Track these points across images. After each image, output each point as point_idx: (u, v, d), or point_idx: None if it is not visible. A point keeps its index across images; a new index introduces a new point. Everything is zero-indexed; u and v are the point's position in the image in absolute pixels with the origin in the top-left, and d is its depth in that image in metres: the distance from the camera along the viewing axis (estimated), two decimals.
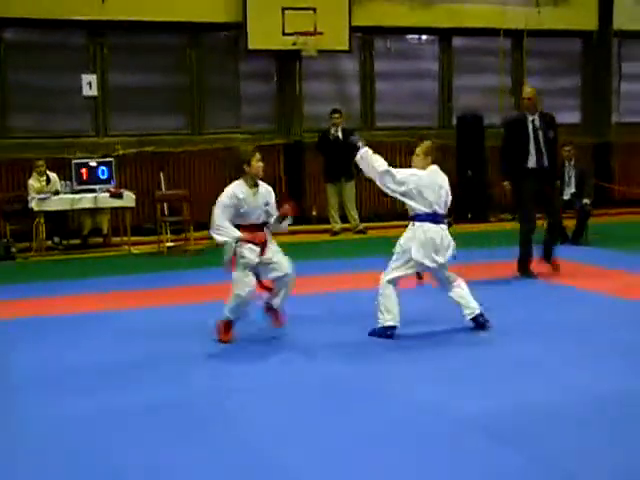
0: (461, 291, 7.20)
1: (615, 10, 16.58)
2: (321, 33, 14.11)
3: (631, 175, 16.91)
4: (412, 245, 6.98)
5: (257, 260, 6.99)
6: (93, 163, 12.73)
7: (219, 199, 7.01)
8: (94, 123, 14.31)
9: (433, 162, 7.26)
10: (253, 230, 7.03)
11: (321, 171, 14.34)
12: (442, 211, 7.14)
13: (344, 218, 14.27)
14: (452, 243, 7.17)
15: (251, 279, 6.90)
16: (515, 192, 9.75)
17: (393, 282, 7.03)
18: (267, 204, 7.18)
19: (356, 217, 14.26)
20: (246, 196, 6.97)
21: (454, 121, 16.01)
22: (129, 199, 12.55)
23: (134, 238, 12.73)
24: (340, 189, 14.07)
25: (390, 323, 6.98)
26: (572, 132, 14.37)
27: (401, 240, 7.09)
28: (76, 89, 13.83)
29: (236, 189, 6.96)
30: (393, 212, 15.34)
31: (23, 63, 13.86)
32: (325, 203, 14.29)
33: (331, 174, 14.02)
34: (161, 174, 13.72)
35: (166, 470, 4.47)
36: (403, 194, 7.10)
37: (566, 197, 12.36)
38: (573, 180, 12.43)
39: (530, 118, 9.57)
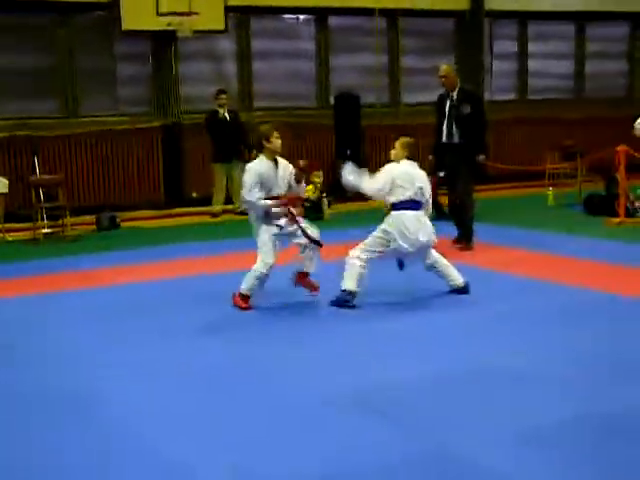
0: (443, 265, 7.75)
1: None
2: (196, 13, 13.93)
3: (504, 151, 17.39)
4: (394, 233, 7.36)
5: (289, 229, 7.52)
6: None
7: (244, 178, 7.55)
8: None
9: (408, 157, 7.67)
10: None
11: (201, 152, 14.24)
12: (419, 199, 7.53)
13: (227, 200, 14.23)
14: (431, 228, 7.60)
15: (273, 256, 7.35)
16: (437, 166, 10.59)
17: (364, 260, 7.42)
18: (286, 177, 7.68)
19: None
20: (267, 170, 7.51)
21: (331, 101, 16.12)
22: (2, 185, 12.22)
23: (8, 225, 12.40)
24: (229, 170, 13.96)
25: (351, 288, 7.35)
26: None
27: (383, 226, 7.48)
28: None
29: (257, 165, 7.54)
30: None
31: None
32: (206, 184, 14.19)
33: (220, 155, 13.91)
34: (35, 159, 13.36)
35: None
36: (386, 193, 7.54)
37: (442, 174, 12.63)
38: None
39: (450, 95, 10.08)
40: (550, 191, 14.10)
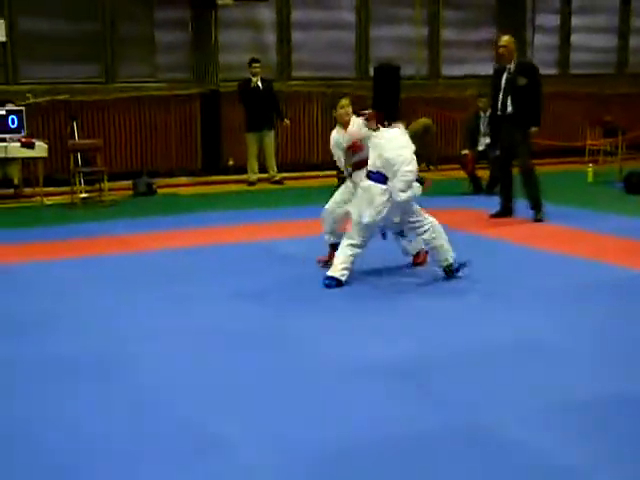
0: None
1: None
2: None
3: (549, 125, 17.18)
4: None
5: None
6: (2, 112, 12.38)
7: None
8: (3, 70, 13.90)
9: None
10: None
11: (238, 121, 14.23)
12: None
13: (262, 168, 14.24)
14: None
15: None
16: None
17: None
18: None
19: (274, 167, 14.22)
20: (338, 137, 7.99)
21: (371, 72, 15.99)
22: (41, 149, 12.28)
23: (47, 189, 12.50)
24: (261, 139, 13.98)
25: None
26: (489, 83, 14.49)
27: None
28: None
29: (333, 134, 8.13)
30: (309, 163, 15.47)
31: None
32: (242, 153, 14.19)
33: (252, 124, 13.91)
34: (74, 123, 13.42)
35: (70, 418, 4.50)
36: None
37: (481, 147, 12.55)
38: (487, 131, 12.53)
39: (507, 67, 10.12)
40: (590, 168, 13.92)
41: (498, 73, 10.29)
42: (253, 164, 14.08)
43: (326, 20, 16.02)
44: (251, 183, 13.98)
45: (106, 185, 12.26)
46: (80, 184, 12.43)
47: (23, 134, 12.39)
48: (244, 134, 14.11)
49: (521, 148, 10.18)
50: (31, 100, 13.40)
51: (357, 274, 7.40)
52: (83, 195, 12.40)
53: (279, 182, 14.12)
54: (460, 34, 16.98)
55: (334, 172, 13.39)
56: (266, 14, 15.48)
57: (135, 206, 12.08)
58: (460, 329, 6.02)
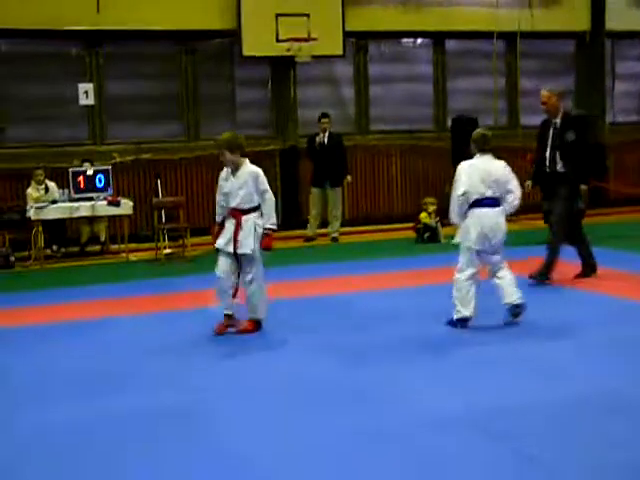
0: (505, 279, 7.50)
1: (607, 11, 16.68)
2: (315, 39, 14.19)
3: (626, 174, 17.00)
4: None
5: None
6: (90, 171, 12.80)
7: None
8: (91, 132, 14.40)
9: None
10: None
11: None
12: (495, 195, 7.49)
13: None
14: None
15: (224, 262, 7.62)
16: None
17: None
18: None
19: (337, 224, 14.05)
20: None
21: (449, 124, 16.07)
22: (126, 207, 12.62)
23: (132, 245, 12.82)
24: (324, 194, 13.91)
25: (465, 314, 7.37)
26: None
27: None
28: (73, 98, 13.89)
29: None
30: (389, 215, 15.53)
31: (20, 73, 13.95)
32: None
33: (317, 179, 13.88)
34: (158, 181, 13.79)
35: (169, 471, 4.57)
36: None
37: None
38: None
39: (553, 121, 9.50)
40: None
41: (545, 126, 9.66)
42: (312, 220, 13.96)
43: (403, 73, 16.19)
44: (309, 239, 13.86)
45: (189, 241, 12.52)
46: (164, 240, 12.71)
47: (110, 193, 12.77)
48: (309, 189, 14.12)
49: (558, 205, 9.47)
50: (117, 159, 13.83)
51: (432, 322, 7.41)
52: (167, 251, 12.67)
53: (335, 239, 13.94)
54: (538, 83, 16.92)
55: (411, 225, 13.57)
56: (344, 69, 15.74)
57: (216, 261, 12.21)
58: (542, 380, 5.94)
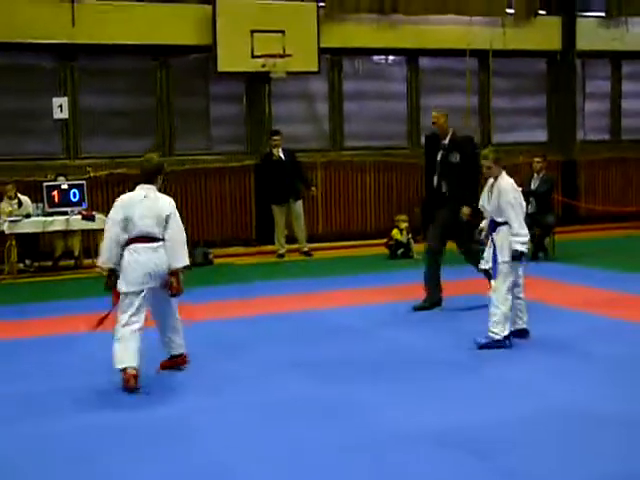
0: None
1: (577, 31, 16.91)
2: (290, 55, 14.27)
3: (596, 192, 17.23)
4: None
5: None
6: (65, 185, 12.76)
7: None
8: (65, 145, 14.37)
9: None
10: None
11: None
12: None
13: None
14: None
15: None
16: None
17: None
18: None
19: (304, 238, 14.11)
20: None
21: (422, 140, 16.18)
22: (101, 221, 12.54)
23: None
24: (288, 210, 13.88)
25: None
26: (539, 150, 14.56)
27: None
28: (47, 112, 13.84)
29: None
30: (363, 232, 15.61)
31: None
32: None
33: (278, 195, 13.81)
34: None
35: None
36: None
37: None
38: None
39: (442, 142, 9.32)
40: None
41: (433, 145, 9.55)
42: (280, 236, 13.92)
43: (377, 90, 16.29)
44: (280, 255, 13.82)
45: None
46: None
47: (84, 207, 12.74)
48: (270, 207, 14.02)
49: (437, 224, 9.26)
50: (91, 174, 13.80)
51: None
52: None
53: (308, 254, 14.00)
54: (511, 102, 17.15)
55: (383, 241, 13.64)
56: (318, 86, 15.81)
57: (192, 276, 12.21)
58: (511, 398, 6.01)
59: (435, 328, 8.22)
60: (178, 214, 6.63)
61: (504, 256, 7.30)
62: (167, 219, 6.53)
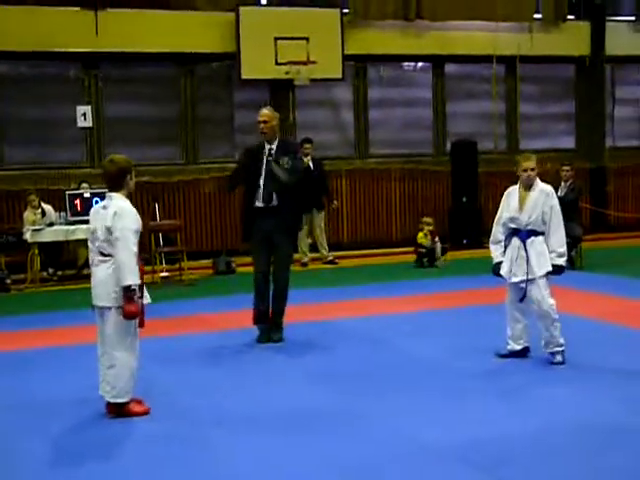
0: None
1: (607, 36, 16.68)
2: (314, 62, 14.20)
3: (626, 199, 16.97)
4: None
5: None
6: (87, 194, 12.72)
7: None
8: (89, 154, 14.36)
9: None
10: None
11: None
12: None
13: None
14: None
15: None
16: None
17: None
18: None
19: (326, 247, 14.01)
20: None
21: (448, 148, 16.04)
22: None
23: None
24: (311, 219, 13.72)
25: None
26: (566, 157, 14.38)
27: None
28: (71, 120, 13.88)
29: None
30: (388, 240, 15.48)
31: (18, 95, 13.92)
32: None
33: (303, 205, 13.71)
34: (155, 204, 13.71)
35: None
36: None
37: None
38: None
39: (267, 147, 8.13)
40: None
41: (252, 153, 8.26)
42: (304, 245, 13.67)
43: (402, 97, 16.17)
44: (304, 264, 13.65)
45: (186, 264, 12.43)
46: (161, 263, 12.62)
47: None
48: None
49: (284, 249, 8.24)
50: None
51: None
52: (164, 274, 12.58)
53: (332, 262, 13.94)
54: (538, 108, 16.96)
55: (412, 249, 13.48)
56: (343, 93, 15.71)
57: (215, 285, 12.20)
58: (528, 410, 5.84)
59: (457, 337, 8.02)
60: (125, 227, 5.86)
61: (542, 269, 6.87)
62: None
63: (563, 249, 6.92)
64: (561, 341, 6.93)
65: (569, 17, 16.66)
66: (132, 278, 5.79)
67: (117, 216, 5.89)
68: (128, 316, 5.81)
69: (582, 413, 5.69)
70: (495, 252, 7.16)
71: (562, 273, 6.96)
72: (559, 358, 6.93)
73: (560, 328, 6.92)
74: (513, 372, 6.83)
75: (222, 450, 5.24)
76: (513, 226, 7.03)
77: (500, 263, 7.09)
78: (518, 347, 7.14)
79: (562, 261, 6.93)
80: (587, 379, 6.53)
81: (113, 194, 6.14)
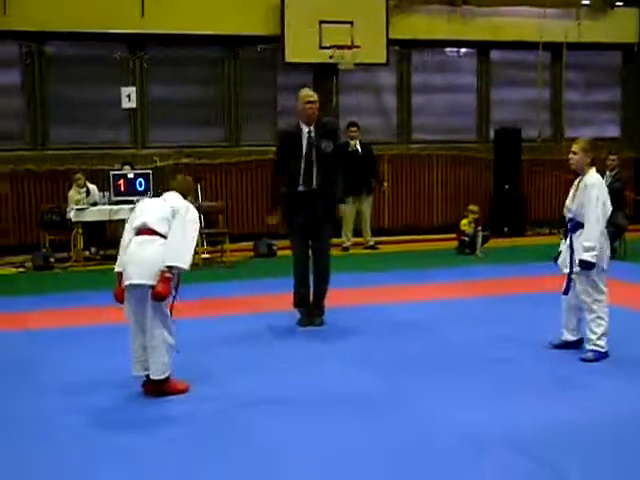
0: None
1: None
2: (358, 46, 14.13)
3: None
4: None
5: None
6: (131, 175, 12.82)
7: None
8: (133, 135, 14.45)
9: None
10: None
11: None
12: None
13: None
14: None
15: None
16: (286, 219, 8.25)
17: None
18: None
19: (369, 232, 14.00)
20: None
21: (492, 135, 15.92)
22: None
23: None
24: (359, 203, 13.72)
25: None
26: (612, 146, 14.19)
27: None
28: (115, 101, 13.97)
29: None
30: (429, 226, 15.43)
31: (63, 76, 14.02)
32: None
33: (350, 188, 13.32)
34: (198, 186, 13.76)
35: None
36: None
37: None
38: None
39: (307, 130, 8.01)
40: None
41: (291, 136, 8.07)
42: (348, 230, 13.73)
43: (446, 83, 16.06)
44: (345, 248, 13.64)
45: (227, 246, 12.48)
46: (202, 245, 12.69)
47: (150, 196, 12.76)
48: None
49: (326, 233, 8.23)
50: (158, 163, 13.86)
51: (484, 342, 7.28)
52: (205, 256, 12.65)
53: (373, 247, 13.91)
54: (584, 95, 16.77)
55: (452, 235, 13.42)
56: (386, 78, 15.64)
57: (255, 267, 12.25)
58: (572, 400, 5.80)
59: (499, 325, 7.99)
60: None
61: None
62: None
63: (589, 243, 6.60)
64: (600, 342, 6.73)
65: (618, 3, 16.39)
66: (183, 261, 5.87)
67: (183, 205, 6.10)
68: (157, 297, 5.82)
69: (629, 405, 5.65)
70: (562, 241, 7.10)
71: (592, 268, 6.65)
72: (589, 355, 6.75)
73: (606, 331, 6.75)
74: (562, 362, 6.76)
75: (260, 432, 5.27)
76: (569, 216, 6.94)
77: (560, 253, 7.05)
78: (572, 338, 7.05)
79: (588, 256, 6.61)
80: (634, 372, 6.47)
81: (172, 192, 6.29)
